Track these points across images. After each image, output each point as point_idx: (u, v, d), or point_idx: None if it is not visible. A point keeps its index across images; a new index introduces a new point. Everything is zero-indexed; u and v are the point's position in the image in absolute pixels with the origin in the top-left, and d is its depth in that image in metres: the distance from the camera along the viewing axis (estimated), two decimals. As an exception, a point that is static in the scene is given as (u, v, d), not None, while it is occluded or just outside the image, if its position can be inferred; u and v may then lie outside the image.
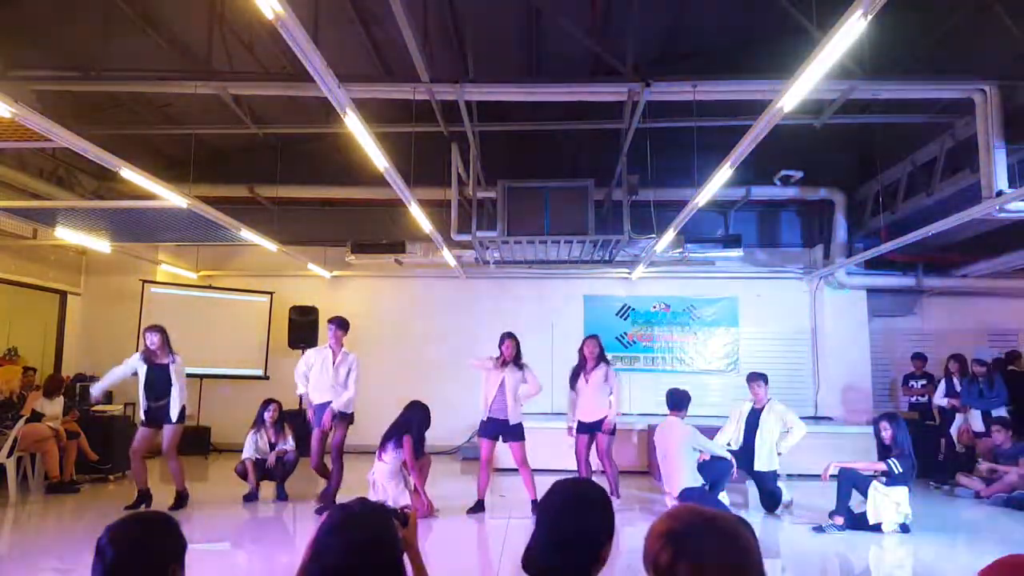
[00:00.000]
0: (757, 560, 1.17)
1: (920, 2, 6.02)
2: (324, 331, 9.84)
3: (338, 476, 6.29)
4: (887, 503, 5.78)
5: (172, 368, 6.31)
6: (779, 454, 6.63)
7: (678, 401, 6.33)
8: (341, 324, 6.60)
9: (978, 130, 6.37)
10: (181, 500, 6.33)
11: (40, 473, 7.24)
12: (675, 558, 1.15)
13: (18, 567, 4.71)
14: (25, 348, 9.02)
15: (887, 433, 6.06)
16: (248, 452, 6.92)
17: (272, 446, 7.02)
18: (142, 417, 6.36)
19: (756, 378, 6.85)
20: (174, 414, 6.27)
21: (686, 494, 6.01)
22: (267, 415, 7.11)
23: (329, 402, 6.33)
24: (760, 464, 6.56)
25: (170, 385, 6.29)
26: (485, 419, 6.38)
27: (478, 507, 6.35)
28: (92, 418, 8.16)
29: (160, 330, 6.35)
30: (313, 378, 6.42)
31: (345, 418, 6.39)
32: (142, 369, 6.27)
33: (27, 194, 8.24)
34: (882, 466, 5.94)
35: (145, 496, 6.27)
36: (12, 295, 9.05)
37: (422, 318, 10.63)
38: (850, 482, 5.99)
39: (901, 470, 5.82)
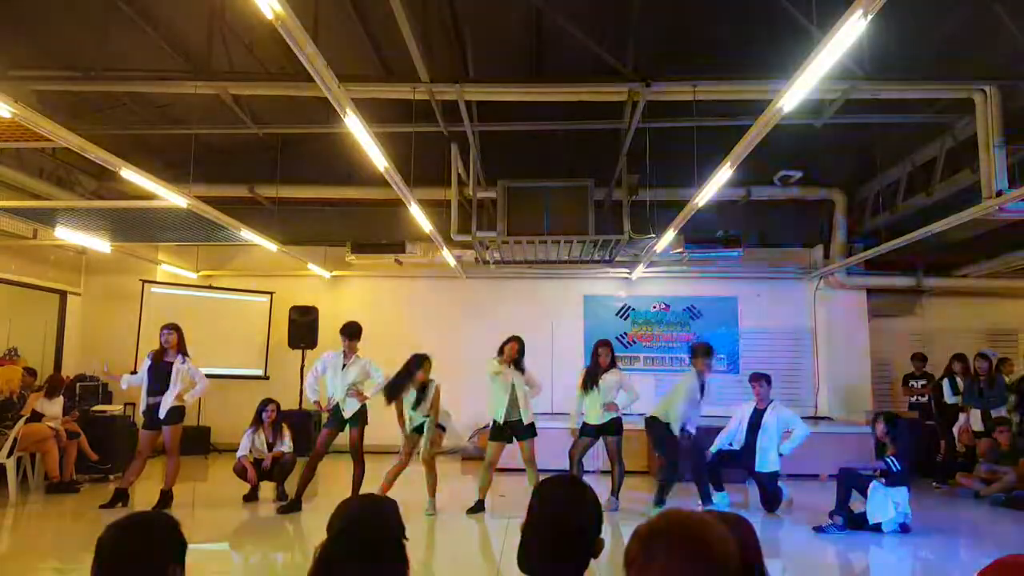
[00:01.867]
0: (734, 564, 1.19)
1: (920, 2, 6.01)
2: (324, 331, 9.95)
3: (359, 475, 6.34)
4: (887, 503, 5.78)
5: (175, 367, 6.34)
6: (780, 455, 6.63)
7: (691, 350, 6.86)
8: (349, 333, 6.54)
9: (978, 130, 6.37)
10: (164, 500, 6.31)
11: (40, 473, 7.24)
12: (636, 554, 1.19)
13: (18, 567, 4.71)
14: (25, 348, 9.01)
15: (881, 430, 6.06)
16: (243, 451, 6.92)
17: (270, 446, 7.02)
18: (142, 418, 6.41)
19: (758, 378, 6.85)
20: (162, 413, 6.26)
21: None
22: (265, 415, 7.11)
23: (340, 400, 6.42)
24: (761, 465, 6.56)
25: (168, 384, 6.31)
26: (498, 424, 6.35)
27: (478, 507, 6.36)
28: (92, 418, 8.17)
29: (175, 329, 6.44)
30: (328, 381, 6.51)
31: (359, 420, 6.41)
32: (145, 365, 6.41)
33: (27, 194, 8.23)
34: (880, 465, 5.95)
35: (122, 495, 6.31)
36: (12, 295, 9.05)
37: (422, 318, 10.63)
38: (850, 482, 6.00)
39: (899, 469, 5.82)
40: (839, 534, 5.74)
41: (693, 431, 6.55)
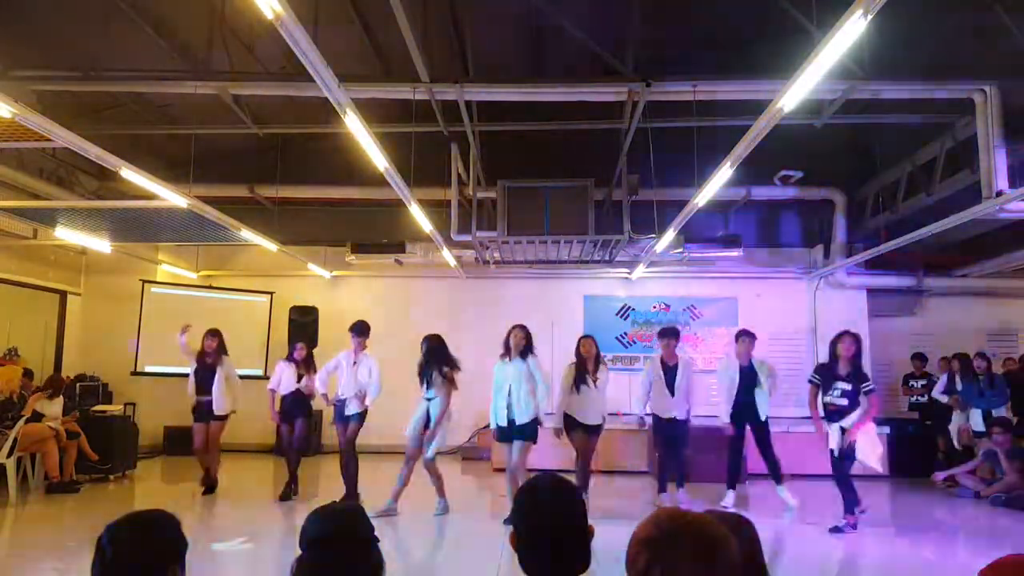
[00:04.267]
0: (737, 565, 1.18)
1: (920, 2, 6.01)
2: (324, 331, 9.96)
3: (354, 469, 6.58)
4: (864, 441, 5.80)
5: (219, 369, 7.02)
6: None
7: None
8: (359, 331, 6.78)
9: (978, 130, 6.37)
10: (210, 486, 6.95)
11: (40, 473, 7.24)
12: (649, 563, 1.17)
13: (18, 567, 4.71)
14: (25, 348, 9.01)
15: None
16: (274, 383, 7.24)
17: (300, 377, 7.20)
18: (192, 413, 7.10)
19: (665, 334, 6.96)
20: (216, 409, 6.95)
21: None
22: (296, 353, 7.32)
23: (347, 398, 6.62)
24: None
25: (212, 383, 6.99)
26: (498, 424, 5.99)
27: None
28: (92, 418, 8.17)
29: (216, 334, 7.13)
30: (340, 378, 6.75)
31: (359, 417, 6.63)
32: (192, 367, 7.05)
33: (27, 194, 8.23)
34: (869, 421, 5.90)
35: (210, 481, 6.97)
36: (12, 295, 9.05)
37: (422, 318, 10.61)
38: (845, 477, 6.00)
39: (849, 386, 5.83)
40: (853, 532, 5.72)
41: (646, 417, 6.77)
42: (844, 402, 5.79)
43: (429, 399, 6.22)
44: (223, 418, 7.06)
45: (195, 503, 6.83)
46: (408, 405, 7.22)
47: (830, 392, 5.88)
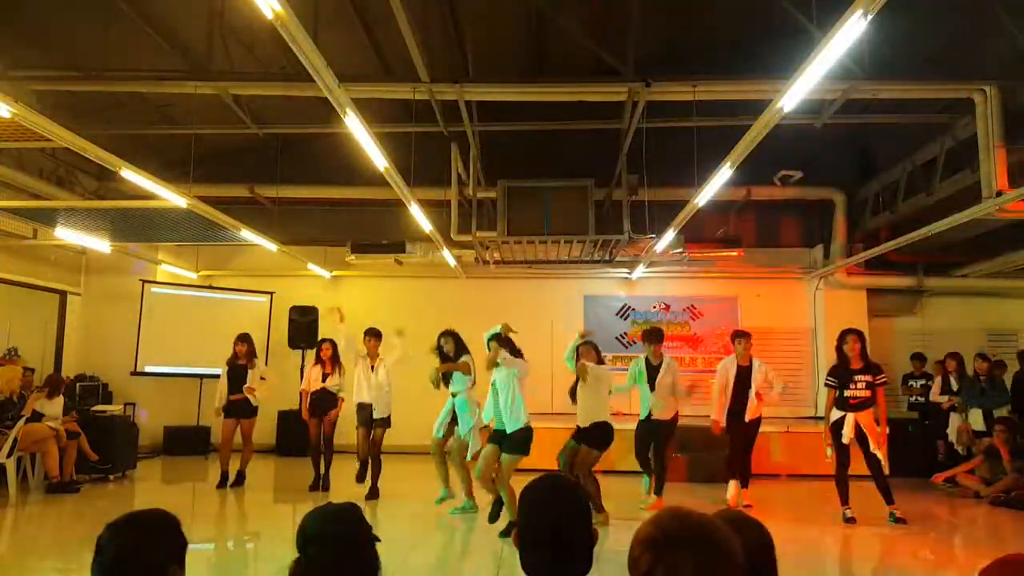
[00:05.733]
0: (740, 566, 1.18)
1: (920, 2, 6.02)
2: (324, 331, 9.93)
3: (376, 469, 6.91)
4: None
5: (250, 372, 7.49)
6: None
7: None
8: (375, 334, 7.21)
9: (978, 130, 6.37)
10: (239, 479, 7.33)
11: (40, 473, 7.24)
12: (652, 564, 1.17)
13: (18, 567, 4.71)
14: (25, 348, 9.00)
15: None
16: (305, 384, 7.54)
17: (325, 376, 7.38)
18: (221, 411, 7.40)
19: (648, 339, 7.07)
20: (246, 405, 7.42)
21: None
22: (322, 353, 7.48)
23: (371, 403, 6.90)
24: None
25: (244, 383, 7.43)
26: (493, 427, 5.90)
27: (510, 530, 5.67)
28: (92, 418, 8.17)
29: (246, 340, 7.61)
30: (357, 383, 7.04)
31: (384, 421, 6.96)
32: (224, 370, 7.50)
33: (27, 194, 8.23)
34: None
35: (225, 477, 7.26)
36: (12, 295, 9.04)
37: (422, 318, 10.59)
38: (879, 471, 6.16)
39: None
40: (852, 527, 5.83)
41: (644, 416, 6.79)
42: (868, 393, 6.14)
43: (455, 394, 6.34)
44: (254, 415, 7.51)
45: (195, 503, 6.84)
46: (408, 404, 7.25)
47: (851, 387, 6.17)
